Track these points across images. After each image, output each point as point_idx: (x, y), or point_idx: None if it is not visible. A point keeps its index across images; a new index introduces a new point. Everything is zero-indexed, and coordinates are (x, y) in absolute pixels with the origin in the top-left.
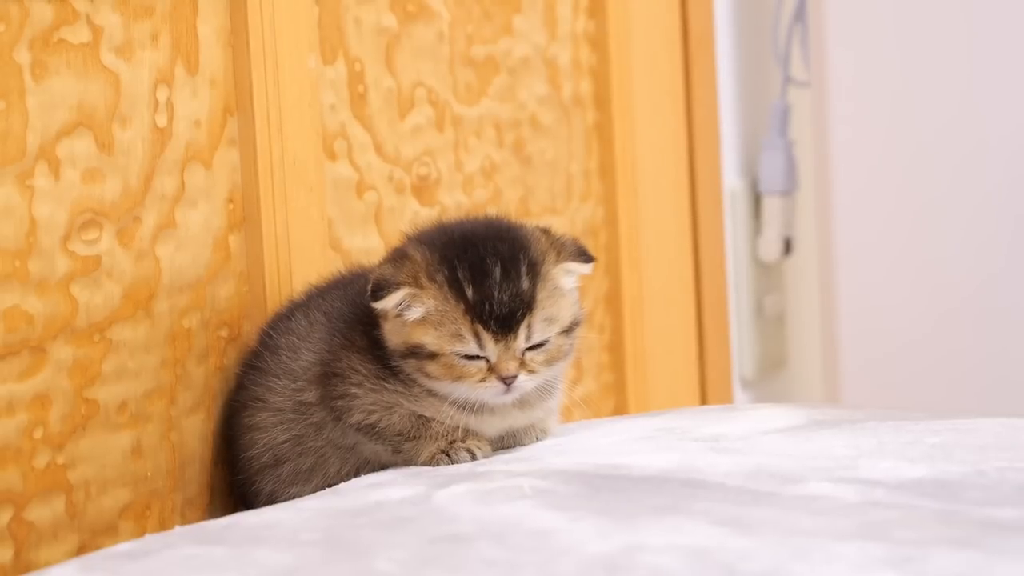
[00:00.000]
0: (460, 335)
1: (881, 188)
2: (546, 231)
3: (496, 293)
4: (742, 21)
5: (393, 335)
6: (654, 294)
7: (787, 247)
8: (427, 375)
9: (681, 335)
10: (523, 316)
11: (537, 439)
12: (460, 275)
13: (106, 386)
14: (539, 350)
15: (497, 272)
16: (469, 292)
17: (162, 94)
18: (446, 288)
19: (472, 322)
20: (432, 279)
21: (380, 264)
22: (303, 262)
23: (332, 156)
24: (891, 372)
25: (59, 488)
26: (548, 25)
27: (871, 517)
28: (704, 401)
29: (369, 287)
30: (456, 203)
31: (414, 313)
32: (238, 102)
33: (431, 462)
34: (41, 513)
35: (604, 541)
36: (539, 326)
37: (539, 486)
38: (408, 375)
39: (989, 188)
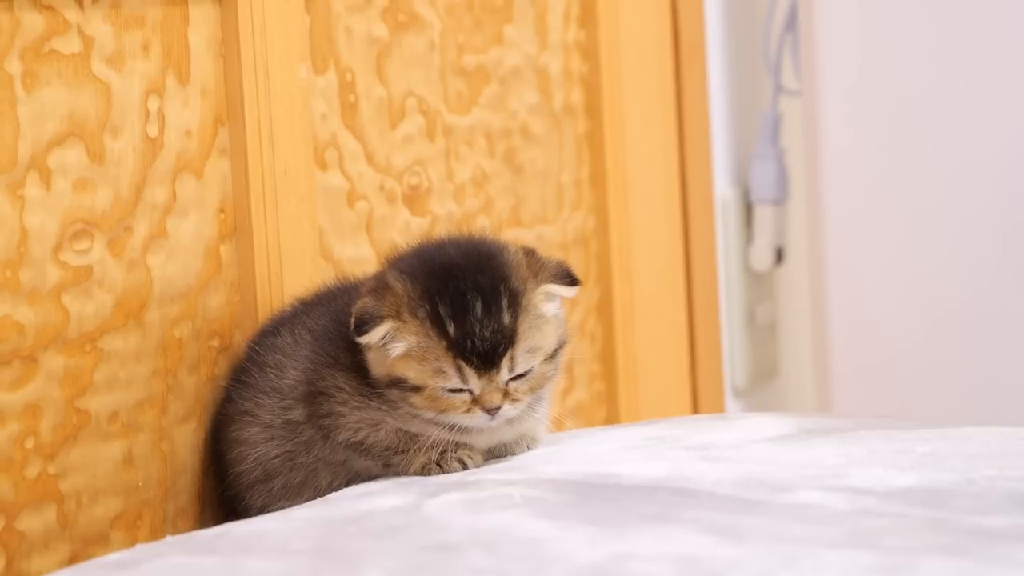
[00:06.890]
0: (443, 371)
1: (873, 197)
2: (529, 253)
3: (478, 329)
4: (733, 30)
5: (377, 365)
6: (645, 303)
7: (778, 256)
8: (412, 405)
9: (672, 344)
10: (505, 350)
11: (528, 448)
12: (441, 311)
13: (97, 396)
14: (523, 380)
15: (478, 307)
16: (451, 329)
17: (153, 104)
18: (428, 324)
19: (454, 358)
20: (414, 314)
21: (362, 294)
22: (294, 271)
23: (323, 166)
24: (882, 381)
25: (50, 498)
26: (539, 34)
27: (861, 525)
28: (696, 410)
29: (352, 321)
30: (447, 213)
31: (397, 348)
32: (229, 112)
33: (422, 473)
34: (32, 523)
35: (594, 550)
36: (522, 358)
37: (530, 495)
38: (393, 401)
39: (981, 197)
